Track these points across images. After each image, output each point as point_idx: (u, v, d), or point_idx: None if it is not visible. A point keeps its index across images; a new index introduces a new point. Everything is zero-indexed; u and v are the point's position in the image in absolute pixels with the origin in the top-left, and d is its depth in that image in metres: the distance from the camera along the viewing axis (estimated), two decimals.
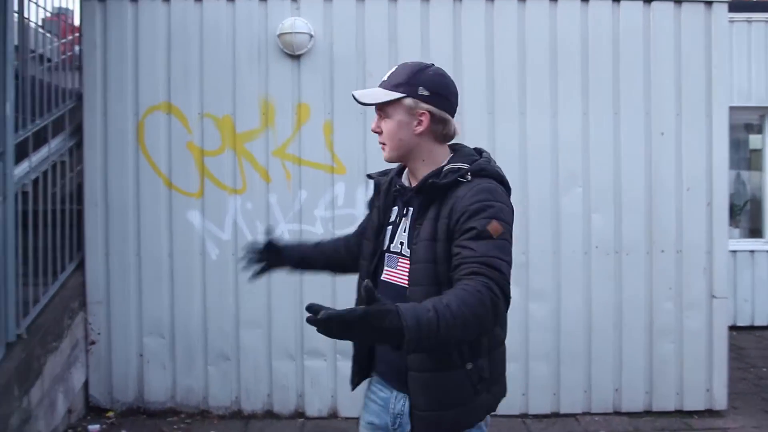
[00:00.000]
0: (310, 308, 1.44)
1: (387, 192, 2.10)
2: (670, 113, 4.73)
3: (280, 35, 4.60)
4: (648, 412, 4.72)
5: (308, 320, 1.43)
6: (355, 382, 2.19)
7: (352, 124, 4.65)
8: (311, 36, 4.63)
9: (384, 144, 1.99)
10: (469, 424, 1.92)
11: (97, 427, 4.50)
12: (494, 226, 1.76)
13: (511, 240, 1.82)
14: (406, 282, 1.92)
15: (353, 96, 1.98)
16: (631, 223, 4.70)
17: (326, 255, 2.40)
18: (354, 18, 4.68)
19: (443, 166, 1.94)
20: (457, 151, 2.02)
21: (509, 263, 1.75)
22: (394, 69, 1.98)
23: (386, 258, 2.03)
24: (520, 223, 4.51)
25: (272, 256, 2.39)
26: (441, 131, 1.95)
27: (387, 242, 2.04)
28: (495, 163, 1.99)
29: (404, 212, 2.02)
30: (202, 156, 4.70)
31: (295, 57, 4.66)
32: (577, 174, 4.69)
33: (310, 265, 2.44)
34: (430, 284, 1.85)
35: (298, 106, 4.69)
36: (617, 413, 4.71)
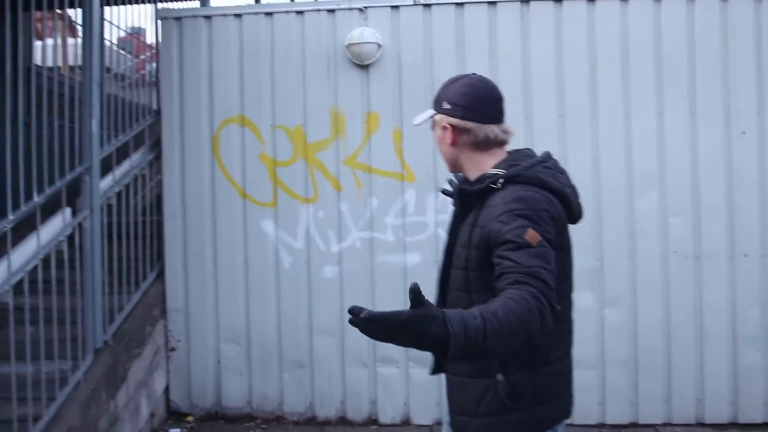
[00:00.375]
0: (352, 311, 1.41)
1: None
2: (751, 111, 4.54)
3: (348, 46, 4.68)
4: (734, 424, 4.52)
5: (350, 322, 1.42)
6: (433, 370, 2.18)
7: (422, 131, 4.61)
8: (379, 45, 4.68)
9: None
10: None
11: (177, 430, 4.66)
12: (531, 235, 1.72)
13: (553, 246, 1.76)
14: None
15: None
16: (711, 227, 4.53)
17: None
18: (421, 26, 4.71)
19: (486, 173, 1.95)
20: (509, 156, 2.02)
21: (552, 272, 1.70)
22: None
23: None
24: (593, 227, 4.48)
25: None
26: (470, 140, 1.99)
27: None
28: (551, 167, 1.96)
29: None
30: (274, 166, 4.81)
31: (364, 67, 4.72)
32: (652, 177, 4.56)
33: None
34: (461, 290, 1.91)
35: (368, 114, 4.75)
36: (700, 424, 4.53)
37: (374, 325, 1.41)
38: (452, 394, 2.01)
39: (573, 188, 1.99)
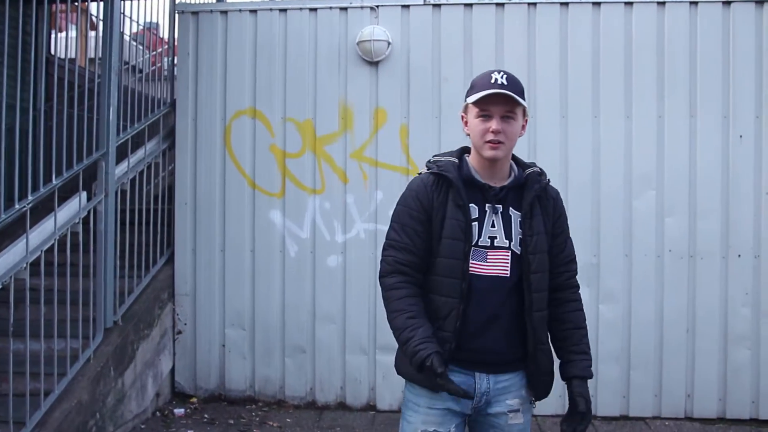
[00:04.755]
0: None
1: (468, 190, 2.17)
2: (749, 116, 4.65)
3: (359, 43, 4.82)
4: (721, 419, 4.64)
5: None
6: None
7: (427, 127, 4.81)
8: (389, 43, 4.82)
9: (501, 143, 2.10)
10: None
11: (182, 411, 4.80)
12: None
13: None
14: (507, 272, 2.16)
15: (499, 92, 2.04)
16: (706, 227, 4.65)
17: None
18: (430, 25, 4.85)
19: (526, 167, 2.24)
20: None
21: None
22: (505, 75, 2.10)
23: (472, 252, 2.15)
24: (591, 225, 4.61)
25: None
26: None
27: (475, 238, 2.15)
28: None
29: (489, 209, 2.16)
30: (284, 158, 4.96)
31: (373, 63, 4.86)
32: (650, 177, 4.68)
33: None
34: (544, 271, 2.19)
35: (376, 110, 4.89)
36: (689, 419, 4.65)
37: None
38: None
39: None
